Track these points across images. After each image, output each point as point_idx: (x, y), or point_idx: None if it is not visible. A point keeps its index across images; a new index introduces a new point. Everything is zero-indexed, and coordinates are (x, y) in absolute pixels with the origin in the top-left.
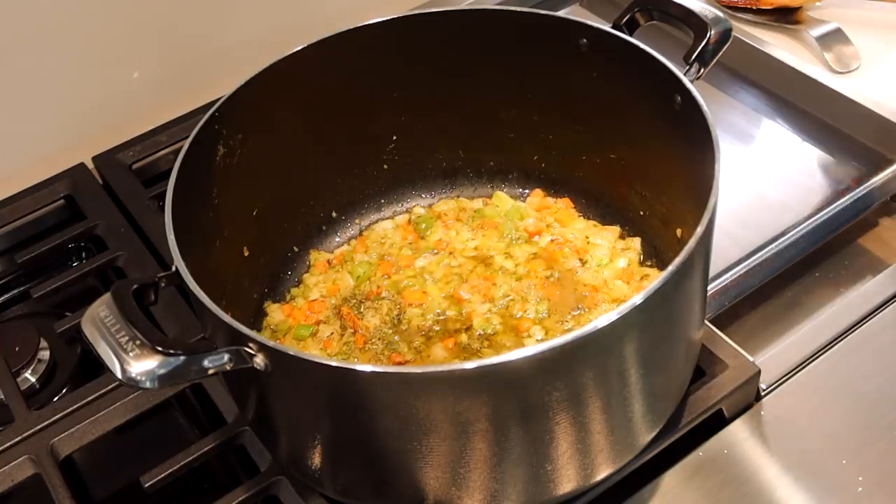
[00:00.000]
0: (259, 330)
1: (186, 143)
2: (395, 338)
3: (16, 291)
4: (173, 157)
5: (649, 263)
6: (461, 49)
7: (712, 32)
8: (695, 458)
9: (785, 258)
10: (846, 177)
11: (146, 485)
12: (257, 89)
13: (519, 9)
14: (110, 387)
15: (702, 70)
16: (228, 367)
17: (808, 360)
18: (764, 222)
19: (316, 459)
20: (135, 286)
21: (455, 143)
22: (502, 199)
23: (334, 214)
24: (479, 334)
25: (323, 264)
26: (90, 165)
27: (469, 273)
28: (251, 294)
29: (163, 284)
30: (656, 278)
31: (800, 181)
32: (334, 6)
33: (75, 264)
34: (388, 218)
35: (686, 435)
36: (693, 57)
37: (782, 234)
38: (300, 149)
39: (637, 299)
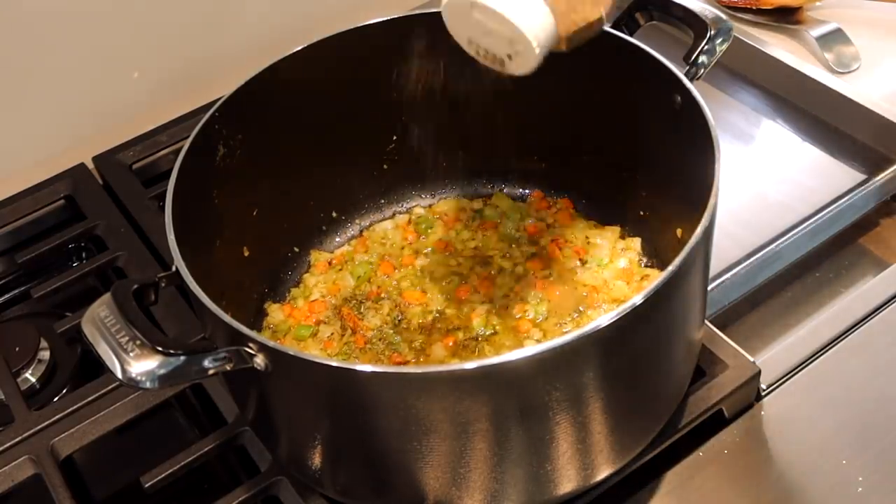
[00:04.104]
0: (259, 330)
1: (186, 143)
2: (396, 338)
3: (16, 291)
4: (173, 157)
5: (649, 263)
6: (461, 49)
7: (712, 32)
8: (695, 458)
9: (785, 258)
10: (846, 177)
11: (146, 485)
12: (257, 89)
13: None
14: (110, 387)
15: (702, 70)
16: (228, 367)
17: (808, 360)
18: (764, 222)
19: (316, 459)
20: (135, 286)
21: (455, 143)
22: (502, 199)
23: (334, 214)
24: (479, 334)
25: (323, 264)
26: (90, 165)
27: (469, 273)
28: (251, 294)
29: (163, 284)
30: (656, 278)
31: (800, 181)
32: (334, 6)
33: (75, 264)
34: (388, 218)
35: (686, 435)
36: (693, 57)
37: (782, 234)
38: (300, 149)
39: (637, 299)
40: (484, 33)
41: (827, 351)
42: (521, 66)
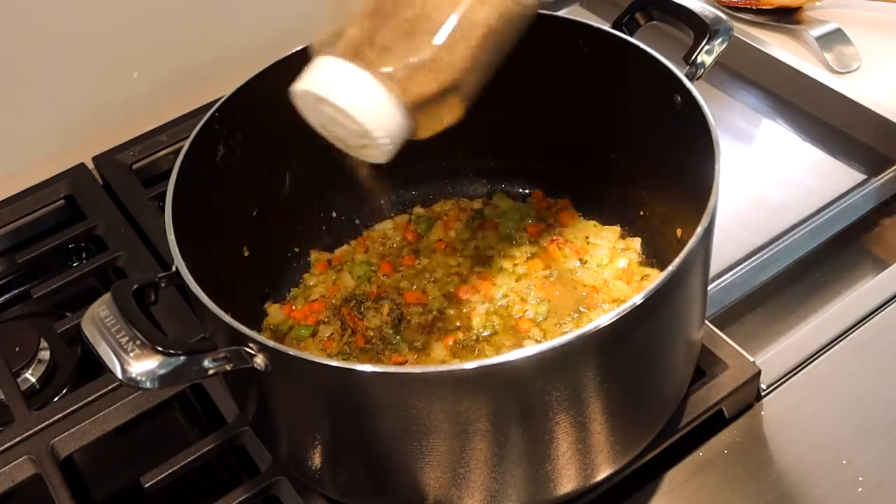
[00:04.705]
0: (259, 330)
1: (186, 143)
2: (396, 338)
3: (16, 291)
4: (173, 157)
5: (649, 263)
6: None
7: (712, 32)
8: (695, 458)
9: (785, 258)
10: (846, 177)
11: (146, 485)
12: (257, 89)
13: None
14: (110, 387)
15: (702, 70)
16: (228, 367)
17: (808, 360)
18: (764, 222)
19: (316, 459)
20: (135, 286)
21: (455, 143)
22: (502, 199)
23: (334, 214)
24: (479, 334)
25: (323, 264)
26: (90, 165)
27: (469, 273)
28: (251, 294)
29: (163, 284)
30: (656, 278)
31: (800, 181)
32: None
33: (75, 264)
34: (388, 218)
35: (686, 435)
36: (693, 57)
37: (782, 234)
38: (300, 149)
39: (637, 299)
40: (334, 124)
41: (827, 351)
42: (374, 156)
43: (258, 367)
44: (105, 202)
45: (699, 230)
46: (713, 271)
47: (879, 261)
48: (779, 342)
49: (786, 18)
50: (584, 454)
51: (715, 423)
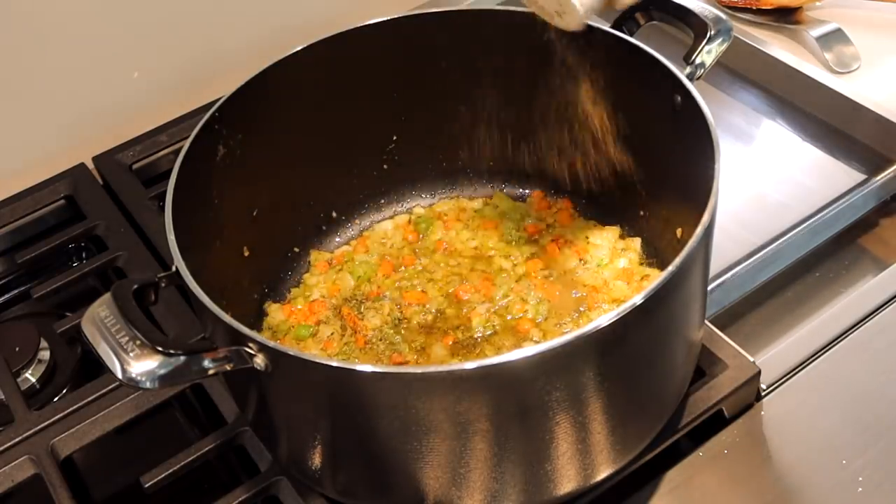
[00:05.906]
0: (259, 330)
1: (186, 143)
2: (396, 338)
3: (16, 291)
4: (173, 157)
5: (649, 263)
6: (461, 49)
7: (712, 32)
8: (695, 458)
9: (785, 258)
10: (846, 177)
11: (146, 485)
12: (257, 89)
13: (520, 9)
14: (110, 387)
15: (702, 70)
16: (228, 367)
17: (808, 360)
18: (764, 222)
19: (316, 459)
20: (135, 286)
21: (455, 143)
22: (502, 199)
23: (334, 214)
24: (479, 334)
25: (323, 264)
26: (90, 165)
27: (469, 273)
28: (251, 294)
29: (163, 284)
30: (656, 278)
31: (800, 181)
32: (334, 6)
33: (75, 264)
34: (388, 218)
35: (686, 435)
36: (693, 57)
37: (782, 234)
38: (300, 149)
39: (637, 299)
40: None
41: (827, 351)
42: (569, 24)
43: (258, 367)
44: (105, 202)
45: (699, 230)
46: (713, 271)
47: (879, 261)
48: (779, 342)
49: (786, 18)
50: (583, 454)
51: (715, 423)
